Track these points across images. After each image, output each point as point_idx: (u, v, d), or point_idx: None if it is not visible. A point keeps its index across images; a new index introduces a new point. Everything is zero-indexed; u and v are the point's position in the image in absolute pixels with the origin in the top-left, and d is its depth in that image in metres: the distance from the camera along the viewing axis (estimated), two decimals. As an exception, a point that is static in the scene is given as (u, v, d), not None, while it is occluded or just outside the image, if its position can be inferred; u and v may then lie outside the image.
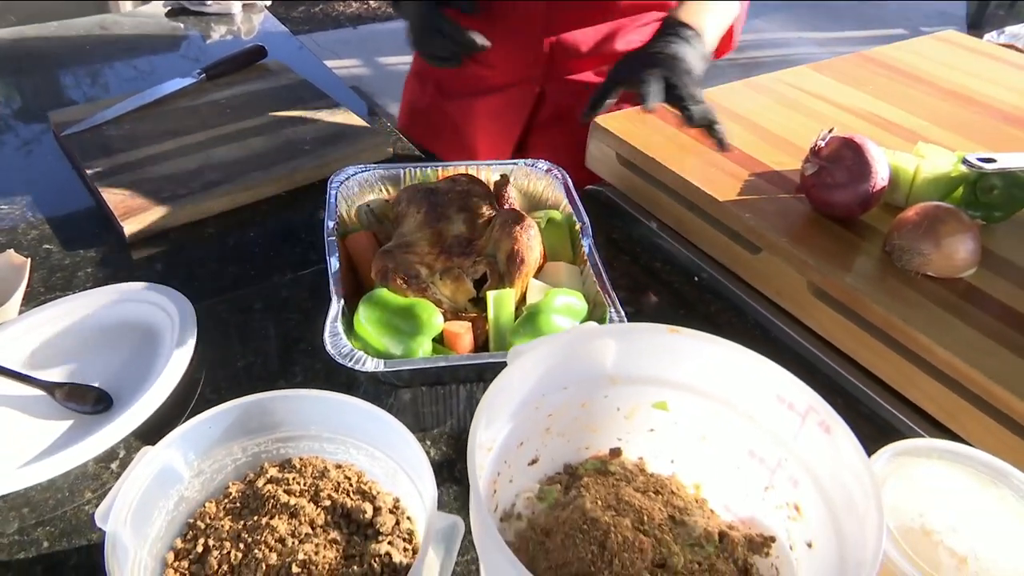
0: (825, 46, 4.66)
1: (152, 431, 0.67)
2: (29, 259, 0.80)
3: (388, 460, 0.59)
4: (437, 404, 0.74)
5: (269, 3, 1.53)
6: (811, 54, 4.46)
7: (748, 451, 0.52)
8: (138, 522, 0.52)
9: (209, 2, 1.45)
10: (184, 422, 0.69)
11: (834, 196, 0.84)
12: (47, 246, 0.89)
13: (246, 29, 1.47)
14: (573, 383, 0.52)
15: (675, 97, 0.87)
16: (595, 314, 0.75)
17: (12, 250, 0.81)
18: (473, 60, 1.08)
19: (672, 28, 0.94)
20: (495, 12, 1.06)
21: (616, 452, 0.57)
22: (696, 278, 0.91)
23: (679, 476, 0.57)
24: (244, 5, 1.51)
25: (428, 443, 0.69)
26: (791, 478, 0.50)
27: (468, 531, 0.49)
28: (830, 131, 0.86)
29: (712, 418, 0.53)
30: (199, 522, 0.57)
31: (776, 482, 0.51)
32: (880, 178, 0.83)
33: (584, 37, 1.09)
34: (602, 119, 1.04)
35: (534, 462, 0.55)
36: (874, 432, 0.71)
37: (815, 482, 0.48)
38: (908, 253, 0.78)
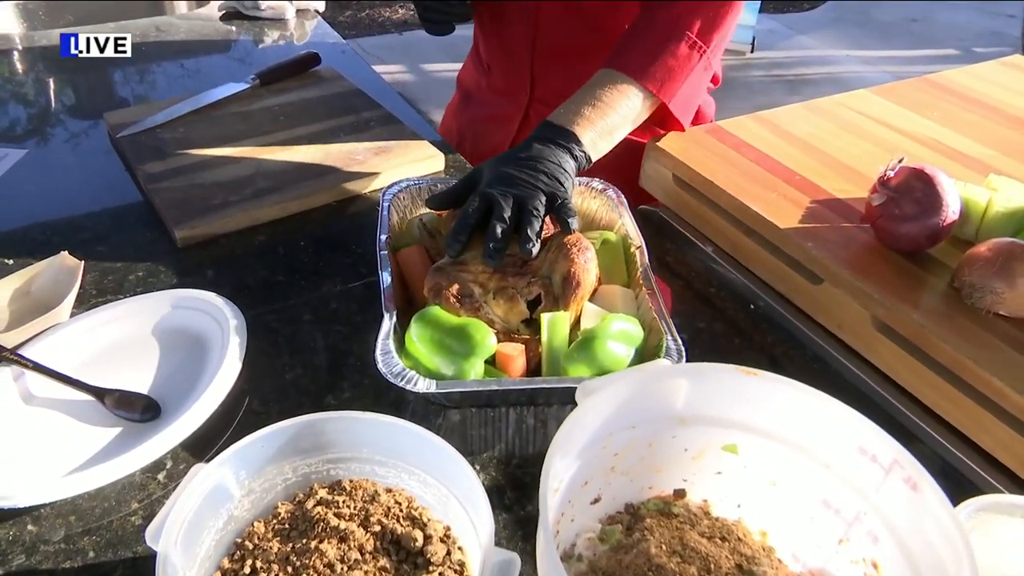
0: (873, 64, 4.58)
1: (199, 443, 0.66)
2: (83, 262, 0.79)
3: (440, 487, 0.57)
4: (486, 427, 0.72)
5: (323, 8, 1.53)
6: (859, 73, 4.38)
7: (822, 501, 0.49)
8: (188, 541, 0.51)
9: (263, 6, 1.46)
10: (230, 434, 0.69)
11: (902, 228, 0.81)
12: (100, 248, 0.89)
13: (299, 35, 1.48)
14: (642, 422, 0.50)
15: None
16: (650, 341, 0.72)
17: (66, 252, 0.81)
18: (479, 66, 1.21)
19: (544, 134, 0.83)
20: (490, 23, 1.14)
21: (680, 493, 0.55)
22: (752, 306, 0.88)
23: (745, 522, 0.54)
24: (298, 11, 1.51)
25: (477, 467, 0.67)
26: (870, 533, 0.47)
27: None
28: (900, 161, 0.83)
29: (784, 464, 0.51)
30: (247, 542, 0.56)
31: (852, 535, 0.48)
32: (951, 211, 0.80)
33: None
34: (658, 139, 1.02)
35: (596, 501, 0.53)
36: (941, 480, 0.68)
37: (897, 540, 0.45)
38: (980, 291, 0.75)
